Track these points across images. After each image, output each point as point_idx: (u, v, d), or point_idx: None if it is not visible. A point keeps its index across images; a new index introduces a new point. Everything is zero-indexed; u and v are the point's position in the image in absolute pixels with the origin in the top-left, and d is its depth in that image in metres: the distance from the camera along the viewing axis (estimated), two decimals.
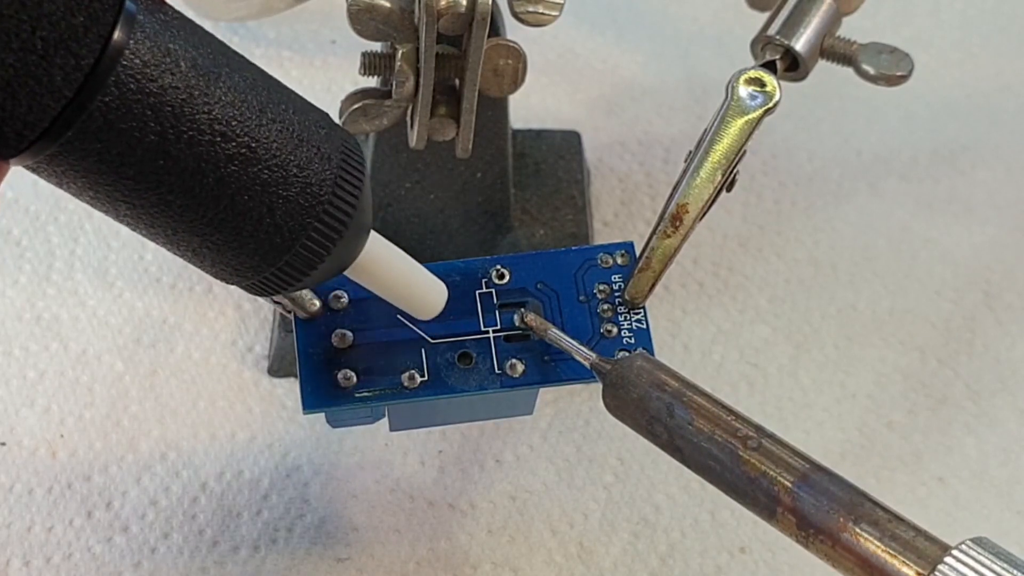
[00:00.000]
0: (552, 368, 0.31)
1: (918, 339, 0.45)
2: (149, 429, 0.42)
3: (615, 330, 0.32)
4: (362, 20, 0.32)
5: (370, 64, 0.34)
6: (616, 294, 0.32)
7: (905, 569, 0.24)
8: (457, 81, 0.34)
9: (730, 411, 0.27)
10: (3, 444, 0.41)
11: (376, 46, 0.35)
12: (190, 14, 0.27)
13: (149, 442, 0.41)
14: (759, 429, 0.27)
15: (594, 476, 0.41)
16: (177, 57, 0.22)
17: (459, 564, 0.39)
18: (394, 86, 0.34)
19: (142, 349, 0.43)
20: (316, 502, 0.40)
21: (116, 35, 0.21)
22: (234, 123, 0.23)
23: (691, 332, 0.45)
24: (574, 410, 0.43)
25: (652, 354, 0.31)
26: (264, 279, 0.25)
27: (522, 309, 0.32)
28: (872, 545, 0.25)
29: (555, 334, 0.31)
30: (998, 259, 0.47)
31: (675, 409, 0.28)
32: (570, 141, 0.47)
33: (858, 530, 0.25)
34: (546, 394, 0.43)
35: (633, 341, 0.32)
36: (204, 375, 0.43)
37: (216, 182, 0.23)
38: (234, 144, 0.23)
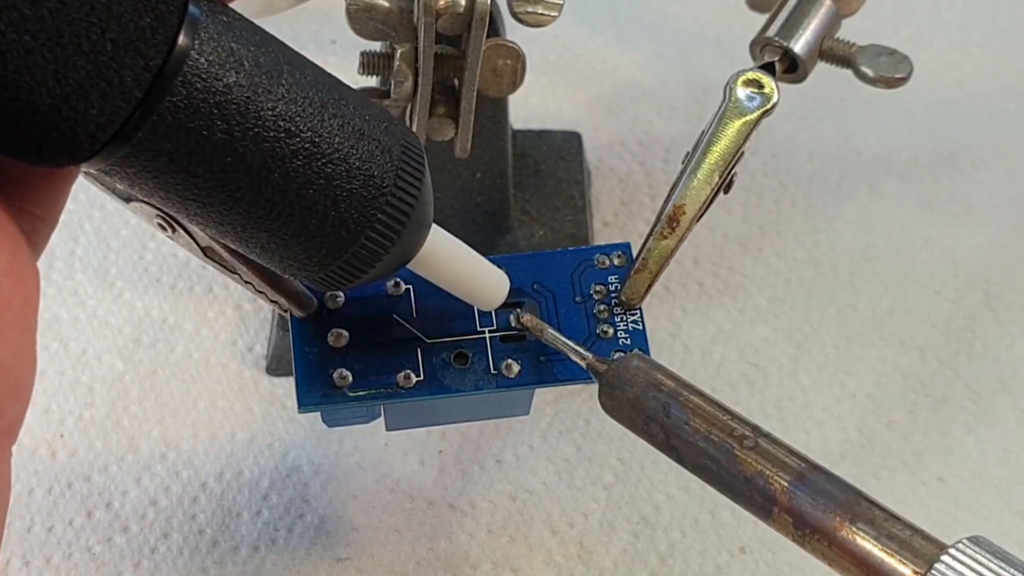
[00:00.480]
0: (548, 368, 0.31)
1: (918, 339, 0.45)
2: (149, 429, 0.42)
3: (611, 331, 0.32)
4: (361, 20, 0.32)
5: (369, 64, 0.34)
6: (612, 295, 0.32)
7: (902, 568, 0.24)
8: (456, 81, 0.34)
9: (726, 411, 0.27)
10: None
11: (376, 46, 0.35)
12: None
13: (149, 442, 0.41)
14: (755, 429, 0.27)
15: (594, 476, 0.41)
16: (240, 56, 0.23)
17: (459, 564, 0.39)
18: (392, 86, 0.34)
19: (142, 349, 0.43)
20: (316, 502, 0.40)
21: (182, 36, 0.21)
22: (297, 119, 0.24)
23: (691, 332, 0.45)
24: (574, 410, 0.43)
25: (648, 355, 0.31)
26: (330, 272, 0.26)
27: (518, 310, 0.32)
28: (869, 544, 0.25)
29: (551, 335, 0.31)
30: (998, 259, 0.47)
31: (671, 409, 0.28)
32: (571, 142, 0.47)
33: (855, 529, 0.25)
34: (546, 394, 0.43)
35: (629, 342, 0.32)
36: (204, 375, 0.43)
37: (282, 177, 0.24)
38: (298, 139, 0.24)
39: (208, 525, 0.40)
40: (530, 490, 0.41)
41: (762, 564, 0.40)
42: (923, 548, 0.24)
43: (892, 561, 0.24)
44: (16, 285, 0.22)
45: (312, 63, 0.25)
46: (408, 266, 0.28)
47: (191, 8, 0.22)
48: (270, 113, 0.23)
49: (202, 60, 0.22)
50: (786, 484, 0.26)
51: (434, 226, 0.28)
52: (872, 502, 0.25)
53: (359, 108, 0.25)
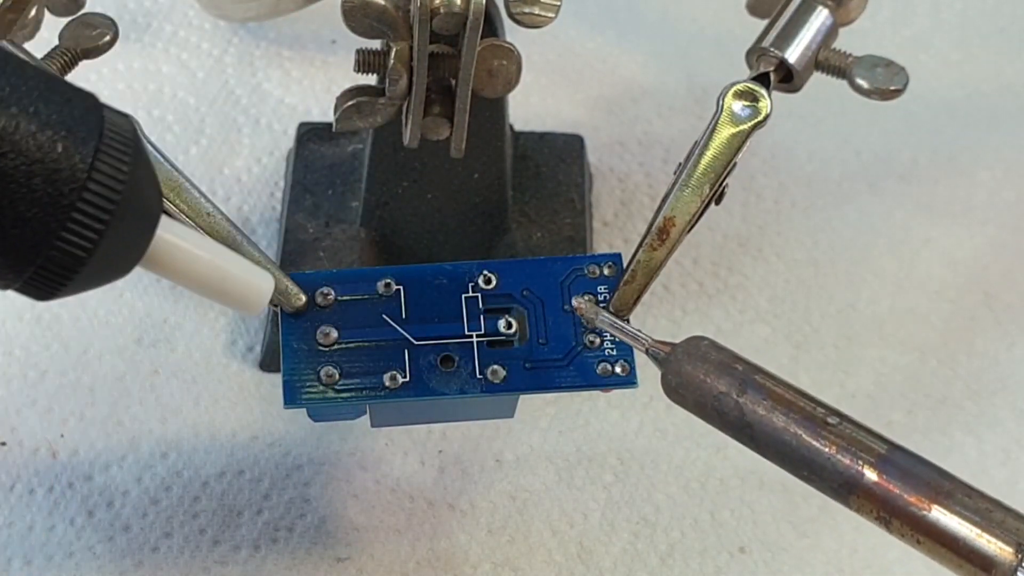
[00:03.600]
0: (533, 375, 0.32)
1: (918, 339, 0.45)
2: (150, 428, 0.42)
3: (598, 341, 0.32)
4: (356, 17, 0.33)
5: (364, 62, 0.34)
6: (601, 305, 0.32)
7: (994, 547, 0.24)
8: (453, 81, 0.35)
9: (804, 394, 0.27)
10: (4, 444, 0.41)
11: (374, 44, 0.35)
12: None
13: (150, 441, 0.42)
14: (837, 411, 0.27)
15: (594, 476, 0.41)
16: None
17: (459, 564, 0.39)
18: (387, 84, 0.34)
19: (143, 349, 0.44)
20: (316, 502, 0.40)
21: None
22: None
23: (691, 332, 0.44)
24: (574, 410, 0.43)
25: (633, 368, 0.32)
26: (29, 281, 0.23)
27: (507, 316, 0.32)
28: (959, 523, 0.24)
29: (605, 319, 0.31)
30: (998, 259, 0.47)
31: (748, 385, 0.28)
32: (572, 144, 0.47)
33: (946, 507, 0.25)
34: (546, 395, 0.43)
35: (615, 352, 0.32)
36: (205, 375, 0.43)
37: None
38: None
39: (209, 524, 0.40)
40: (530, 490, 0.41)
41: (762, 564, 0.40)
42: (1016, 527, 0.24)
43: (983, 540, 0.24)
44: None
45: None
46: (141, 266, 0.25)
47: None
48: None
49: None
50: (874, 459, 0.26)
51: (166, 220, 0.25)
52: (961, 483, 0.25)
53: (35, 91, 0.22)
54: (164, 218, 0.25)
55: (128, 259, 0.25)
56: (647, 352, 0.30)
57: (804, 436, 0.26)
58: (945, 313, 0.46)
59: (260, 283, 0.27)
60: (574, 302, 0.32)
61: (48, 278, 0.23)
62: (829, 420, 0.26)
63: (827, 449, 0.26)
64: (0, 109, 0.22)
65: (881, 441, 0.26)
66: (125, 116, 0.24)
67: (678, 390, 0.29)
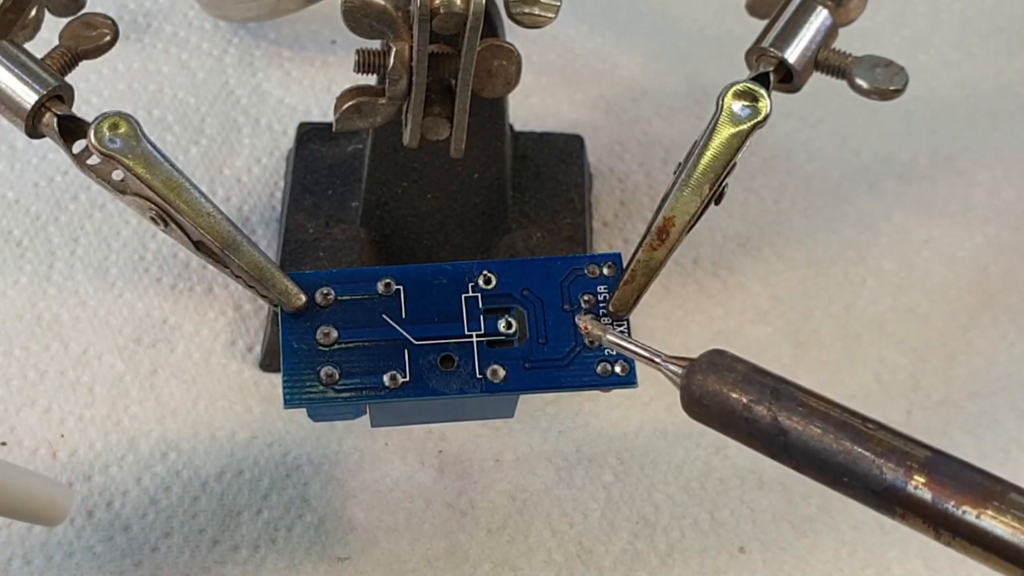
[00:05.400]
0: (533, 375, 0.32)
1: (918, 339, 0.45)
2: (149, 429, 0.42)
3: (597, 341, 0.32)
4: (356, 17, 0.33)
5: (364, 62, 0.34)
6: (601, 305, 0.33)
7: None
8: (453, 81, 0.35)
9: (835, 402, 0.26)
10: (3, 444, 0.41)
11: (375, 44, 0.35)
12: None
13: (149, 442, 0.42)
14: (871, 418, 0.26)
15: (594, 476, 0.42)
16: None
17: (459, 564, 0.39)
18: (387, 84, 0.34)
19: (142, 349, 0.44)
20: (316, 502, 0.40)
21: None
22: None
23: (691, 332, 0.45)
24: (574, 410, 0.43)
25: (633, 368, 0.32)
26: None
27: (507, 316, 0.32)
28: (1016, 527, 0.23)
29: (614, 338, 0.31)
30: (998, 259, 0.47)
31: (780, 393, 0.27)
32: (572, 145, 0.47)
33: (1001, 510, 0.24)
34: (546, 394, 0.43)
35: (614, 352, 0.32)
36: (204, 375, 0.43)
37: None
38: None
39: (209, 524, 0.40)
40: (530, 490, 0.41)
41: (762, 564, 0.40)
42: None
43: None
44: None
45: None
46: None
47: None
48: None
49: None
50: (920, 464, 0.24)
51: None
52: (1014, 486, 0.24)
53: None
54: None
55: None
56: (661, 369, 0.29)
57: (845, 441, 0.25)
58: (945, 313, 0.46)
59: (61, 502, 0.31)
60: (578, 322, 0.32)
61: None
62: (868, 426, 0.25)
63: (870, 454, 0.25)
64: None
65: (922, 447, 0.25)
66: None
67: (701, 401, 0.28)
